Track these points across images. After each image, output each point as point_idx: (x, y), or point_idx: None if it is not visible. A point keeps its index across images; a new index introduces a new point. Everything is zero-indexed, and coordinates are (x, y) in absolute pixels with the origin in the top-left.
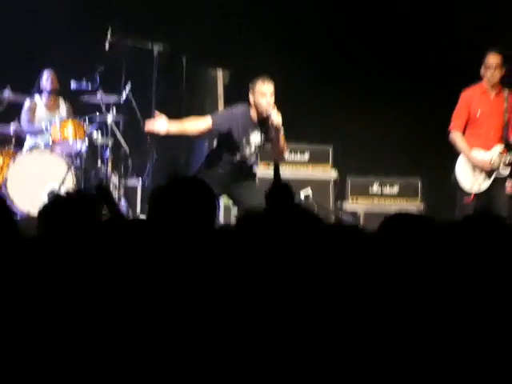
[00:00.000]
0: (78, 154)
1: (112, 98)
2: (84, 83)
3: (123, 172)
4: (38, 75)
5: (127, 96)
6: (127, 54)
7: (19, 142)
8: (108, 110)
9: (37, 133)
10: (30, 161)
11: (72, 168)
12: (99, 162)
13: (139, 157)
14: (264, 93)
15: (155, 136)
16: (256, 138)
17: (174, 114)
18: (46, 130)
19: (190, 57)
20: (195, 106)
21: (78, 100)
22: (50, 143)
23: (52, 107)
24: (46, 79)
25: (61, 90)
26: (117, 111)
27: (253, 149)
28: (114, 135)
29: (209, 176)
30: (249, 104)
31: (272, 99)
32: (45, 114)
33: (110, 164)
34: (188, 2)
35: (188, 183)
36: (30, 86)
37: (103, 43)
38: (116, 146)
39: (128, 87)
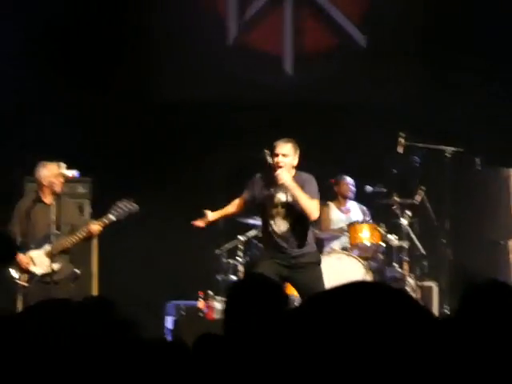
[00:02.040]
0: (375, 257)
1: (407, 201)
2: (378, 187)
3: (419, 273)
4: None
5: (422, 198)
6: (420, 157)
7: (318, 247)
8: (403, 213)
9: (333, 237)
10: (328, 263)
11: (369, 271)
12: (395, 263)
13: (435, 258)
14: (275, 154)
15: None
16: (282, 196)
17: (464, 215)
18: (343, 233)
19: (483, 158)
20: (488, 207)
21: (373, 203)
22: (348, 246)
23: (346, 211)
24: (342, 186)
25: (357, 194)
26: (412, 213)
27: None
28: (409, 237)
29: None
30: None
31: (282, 160)
32: (340, 217)
33: (405, 266)
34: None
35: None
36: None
37: (396, 148)
38: (412, 247)
39: (422, 189)
